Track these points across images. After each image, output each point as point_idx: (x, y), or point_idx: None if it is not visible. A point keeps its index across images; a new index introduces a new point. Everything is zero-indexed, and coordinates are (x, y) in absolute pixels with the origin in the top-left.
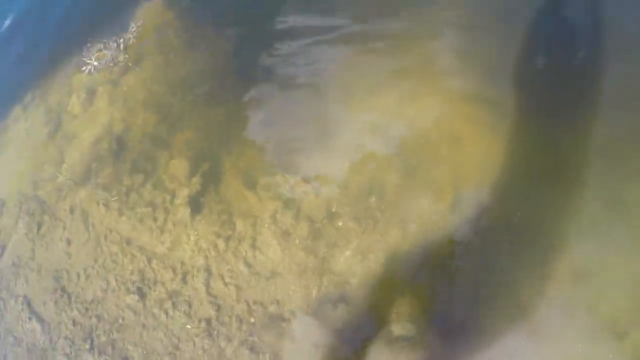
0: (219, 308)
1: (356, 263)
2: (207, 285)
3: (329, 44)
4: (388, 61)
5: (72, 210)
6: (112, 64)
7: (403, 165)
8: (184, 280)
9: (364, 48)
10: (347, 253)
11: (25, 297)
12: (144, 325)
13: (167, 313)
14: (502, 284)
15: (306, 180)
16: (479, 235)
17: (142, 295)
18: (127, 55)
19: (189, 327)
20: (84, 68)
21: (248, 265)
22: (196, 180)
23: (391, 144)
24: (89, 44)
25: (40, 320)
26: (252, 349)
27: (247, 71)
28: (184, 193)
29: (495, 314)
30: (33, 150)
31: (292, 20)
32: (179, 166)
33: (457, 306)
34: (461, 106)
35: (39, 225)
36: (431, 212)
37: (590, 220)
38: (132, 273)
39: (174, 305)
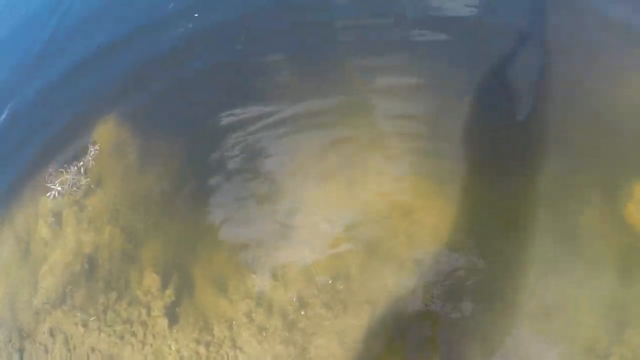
0: None
1: (334, 347)
2: None
3: (275, 131)
4: (332, 139)
5: (52, 333)
6: (75, 188)
7: (362, 245)
8: None
9: (308, 129)
10: (323, 339)
11: None
12: None
13: None
14: (478, 333)
15: (273, 275)
16: (446, 294)
17: None
18: (88, 179)
19: None
20: (48, 194)
21: None
22: (169, 291)
23: (348, 226)
24: (50, 170)
25: None
26: None
27: (201, 173)
28: (158, 305)
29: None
30: (6, 276)
31: (236, 113)
32: (151, 279)
33: None
34: (407, 177)
35: (21, 352)
36: (396, 284)
37: (547, 258)
38: None
39: None
